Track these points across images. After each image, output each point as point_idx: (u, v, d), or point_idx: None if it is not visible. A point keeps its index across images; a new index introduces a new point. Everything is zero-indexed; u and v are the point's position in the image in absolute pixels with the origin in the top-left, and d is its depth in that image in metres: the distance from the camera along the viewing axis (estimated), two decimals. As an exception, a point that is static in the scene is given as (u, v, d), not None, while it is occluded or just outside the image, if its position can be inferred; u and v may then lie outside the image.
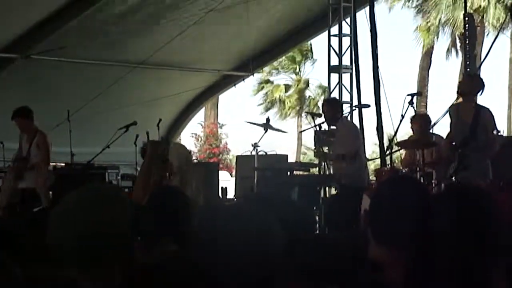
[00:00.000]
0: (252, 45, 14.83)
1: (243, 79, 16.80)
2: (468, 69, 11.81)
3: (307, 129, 10.57)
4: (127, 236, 2.13)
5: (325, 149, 9.88)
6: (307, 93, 33.34)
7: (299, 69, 33.08)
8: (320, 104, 31.76)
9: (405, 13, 29.51)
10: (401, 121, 8.69)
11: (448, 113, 8.01)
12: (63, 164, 12.13)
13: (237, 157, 13.61)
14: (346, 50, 13.36)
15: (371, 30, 12.10)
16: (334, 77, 13.54)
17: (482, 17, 25.58)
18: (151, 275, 2.11)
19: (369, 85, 12.36)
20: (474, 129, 7.40)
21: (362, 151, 9.12)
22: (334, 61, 13.47)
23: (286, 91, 33.26)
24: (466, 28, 12.11)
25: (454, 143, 7.62)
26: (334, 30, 13.49)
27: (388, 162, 9.93)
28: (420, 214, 2.14)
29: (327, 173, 9.57)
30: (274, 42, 15.81)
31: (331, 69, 13.53)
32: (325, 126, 9.68)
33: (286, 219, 2.29)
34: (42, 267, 2.29)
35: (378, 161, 13.57)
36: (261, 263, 1.93)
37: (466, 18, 12.30)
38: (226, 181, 16.36)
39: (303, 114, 31.28)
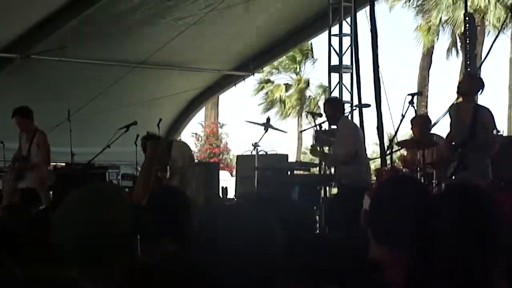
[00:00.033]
0: (252, 45, 14.84)
1: (244, 79, 16.80)
2: (469, 69, 11.81)
3: (308, 129, 10.57)
4: (127, 236, 2.13)
5: (325, 149, 9.87)
6: (308, 93, 33.35)
7: (300, 68, 33.08)
8: (320, 104, 31.79)
9: (405, 13, 29.48)
10: (401, 121, 8.69)
11: (448, 113, 8.01)
12: (64, 164, 12.14)
13: (238, 157, 13.62)
14: (347, 50, 13.35)
15: (371, 30, 12.10)
16: (335, 76, 13.54)
17: (483, 17, 25.58)
18: (151, 275, 2.11)
19: (369, 84, 12.37)
20: (473, 129, 7.40)
21: (362, 151, 9.10)
22: (335, 60, 13.47)
23: (287, 91, 33.27)
24: (467, 27, 12.10)
25: (453, 143, 7.61)
26: (335, 29, 13.49)
27: (389, 162, 9.93)
28: (420, 214, 2.14)
29: (327, 173, 9.57)
30: (274, 41, 15.81)
31: (332, 68, 13.53)
32: (325, 126, 9.68)
33: (287, 219, 2.28)
34: (42, 267, 2.29)
35: (378, 161, 13.57)
36: (261, 263, 1.93)
37: (467, 18, 12.29)
38: (227, 181, 16.37)
39: (303, 114, 31.27)
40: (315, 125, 9.68)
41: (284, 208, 2.59)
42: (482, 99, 7.94)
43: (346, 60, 13.37)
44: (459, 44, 27.32)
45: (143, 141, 8.59)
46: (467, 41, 11.95)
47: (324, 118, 9.43)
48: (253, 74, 16.64)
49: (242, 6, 13.06)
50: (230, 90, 17.88)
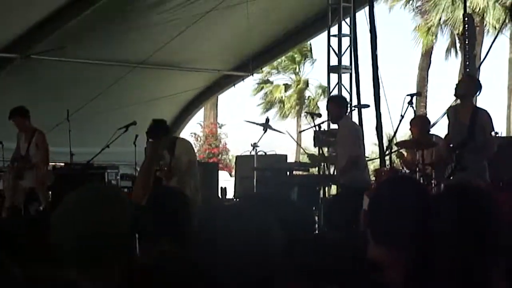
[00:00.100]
0: (252, 45, 14.83)
1: (243, 79, 16.80)
2: (468, 69, 11.82)
3: (307, 129, 10.58)
4: (127, 236, 2.13)
5: (325, 150, 9.88)
6: (307, 93, 33.36)
7: (299, 69, 33.08)
8: (320, 104, 31.82)
9: (405, 13, 29.49)
10: (400, 121, 8.70)
11: (446, 114, 8.01)
12: (63, 164, 12.14)
13: (237, 157, 13.62)
14: (346, 50, 13.36)
15: (370, 30, 12.11)
16: (334, 77, 13.54)
17: (482, 17, 25.58)
18: (151, 275, 2.11)
19: (368, 85, 12.38)
20: (472, 131, 7.40)
21: (362, 152, 9.10)
22: (334, 61, 13.47)
23: (286, 91, 33.27)
24: (466, 28, 12.11)
25: (451, 145, 7.61)
26: (334, 30, 13.49)
27: (388, 162, 9.94)
28: (419, 214, 2.14)
29: (327, 173, 9.58)
30: (273, 42, 15.81)
31: (331, 69, 13.53)
32: (324, 126, 9.69)
33: (286, 219, 2.28)
34: (42, 267, 2.29)
35: (377, 162, 13.58)
36: (261, 263, 1.93)
37: (466, 18, 12.30)
38: (226, 181, 16.38)
39: (302, 114, 31.27)
40: (314, 126, 9.69)
41: (283, 208, 2.59)
42: (481, 100, 7.96)
43: (345, 61, 13.38)
44: (458, 44, 27.32)
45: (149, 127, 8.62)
46: (466, 42, 11.96)
47: (323, 118, 9.44)
48: (252, 75, 16.64)
49: (242, 6, 13.06)
50: (229, 90, 17.91)
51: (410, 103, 8.55)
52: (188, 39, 13.69)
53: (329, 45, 13.51)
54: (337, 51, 13.39)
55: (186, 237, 2.91)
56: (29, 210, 9.63)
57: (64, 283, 1.92)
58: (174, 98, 16.17)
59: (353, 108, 12.98)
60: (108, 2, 12.05)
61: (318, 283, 2.29)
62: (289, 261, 2.15)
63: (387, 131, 13.75)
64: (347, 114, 9.43)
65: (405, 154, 8.88)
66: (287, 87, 33.29)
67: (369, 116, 12.70)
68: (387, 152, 10.18)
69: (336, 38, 13.43)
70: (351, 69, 13.30)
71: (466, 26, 12.09)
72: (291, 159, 16.45)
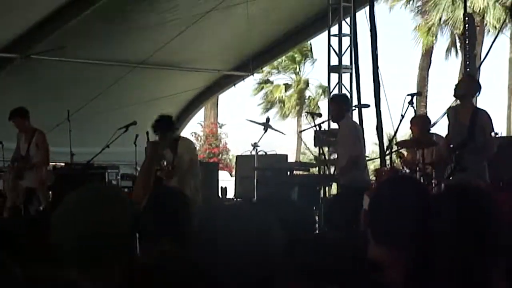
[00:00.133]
0: (252, 45, 14.83)
1: (243, 79, 16.81)
2: (468, 69, 11.82)
3: (307, 129, 10.58)
4: (127, 236, 2.13)
5: (325, 150, 9.88)
6: (307, 93, 33.36)
7: (299, 69, 33.08)
8: (320, 104, 31.82)
9: (405, 13, 29.52)
10: (401, 121, 8.70)
11: (446, 115, 8.01)
12: (63, 164, 12.14)
13: (237, 157, 13.63)
14: (346, 50, 13.36)
15: (371, 30, 12.10)
16: (334, 77, 13.54)
17: (482, 17, 25.58)
18: (151, 275, 2.11)
19: (369, 85, 12.38)
20: (472, 131, 7.39)
21: (363, 151, 9.10)
22: (334, 61, 13.47)
23: (286, 91, 33.27)
24: (466, 28, 12.11)
25: (451, 145, 7.61)
26: (334, 30, 13.49)
27: (388, 162, 9.94)
28: (420, 214, 2.14)
29: (327, 173, 9.58)
30: (274, 42, 15.81)
31: (331, 69, 13.53)
32: (325, 126, 9.69)
33: (286, 219, 2.29)
34: (42, 267, 2.29)
35: (378, 161, 13.58)
36: (261, 263, 1.93)
37: (466, 18, 12.30)
38: (226, 181, 16.38)
39: (303, 114, 31.27)
40: (315, 125, 9.68)
41: (284, 208, 2.59)
42: (481, 100, 7.96)
43: (346, 60, 13.38)
44: (458, 44, 27.31)
45: (153, 124, 8.67)
46: (467, 41, 11.96)
47: (323, 118, 9.43)
48: (253, 74, 16.64)
49: (242, 6, 13.06)
50: (230, 90, 17.91)
51: (411, 103, 8.55)
52: (188, 39, 13.70)
53: (329, 45, 13.51)
54: (337, 51, 13.39)
55: (187, 237, 2.92)
56: (29, 210, 9.63)
57: (65, 283, 1.92)
58: (174, 98, 16.18)
59: (353, 108, 12.99)
60: (108, 2, 12.05)
61: (318, 283, 2.29)
62: (289, 261, 2.15)
63: (388, 130, 13.76)
64: (348, 113, 9.41)
65: (405, 154, 8.88)
66: (287, 87, 33.28)
67: (369, 115, 12.70)
68: (387, 152, 10.19)
69: (337, 38, 13.43)
70: (351, 68, 13.30)
71: (467, 26, 12.09)
72: (291, 159, 16.47)
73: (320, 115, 10.37)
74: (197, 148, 30.50)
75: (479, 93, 7.84)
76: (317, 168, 10.22)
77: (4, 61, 13.23)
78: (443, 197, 2.28)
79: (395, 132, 9.28)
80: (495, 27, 24.69)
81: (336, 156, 9.47)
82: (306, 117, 14.10)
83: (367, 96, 13.02)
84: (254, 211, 2.04)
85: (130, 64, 14.24)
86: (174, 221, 3.09)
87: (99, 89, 14.02)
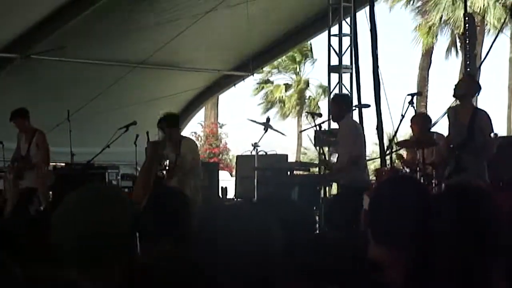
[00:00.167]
0: (252, 45, 14.84)
1: (243, 79, 16.81)
2: (468, 69, 11.82)
3: (307, 129, 10.58)
4: (127, 236, 2.13)
5: (325, 149, 9.88)
6: (307, 93, 33.36)
7: (299, 69, 33.08)
8: (320, 104, 31.83)
9: (406, 13, 29.53)
10: (401, 121, 8.69)
11: (446, 115, 8.00)
12: (63, 164, 12.15)
13: (237, 157, 13.63)
14: (346, 50, 13.36)
15: (371, 30, 12.11)
16: (334, 77, 13.54)
17: (483, 17, 25.57)
18: (151, 275, 2.11)
19: (369, 85, 12.38)
20: (471, 131, 7.39)
21: (363, 151, 9.09)
22: (334, 61, 13.47)
23: (286, 91, 33.27)
24: (466, 27, 12.11)
25: (451, 146, 7.61)
26: (334, 30, 13.49)
27: (388, 162, 9.94)
28: (420, 214, 2.14)
29: (327, 173, 9.57)
30: (274, 42, 15.82)
31: (331, 69, 13.53)
32: (325, 126, 9.68)
33: (286, 219, 2.29)
34: (42, 267, 2.29)
35: (378, 161, 13.58)
36: (261, 263, 1.93)
37: (466, 18, 12.30)
38: (226, 181, 16.38)
39: (303, 114, 31.27)
40: (315, 125, 9.68)
41: (284, 208, 2.59)
42: (481, 100, 7.96)
43: (346, 60, 13.38)
44: (458, 44, 27.31)
45: (159, 122, 8.71)
46: (467, 41, 11.96)
47: (324, 118, 9.42)
48: (253, 74, 16.65)
49: (242, 6, 13.06)
50: (230, 90, 17.91)
51: (411, 102, 8.54)
52: (188, 39, 13.70)
53: (329, 45, 13.51)
54: (337, 51, 13.40)
55: (186, 237, 2.91)
56: (29, 210, 9.63)
57: (65, 283, 1.93)
58: (174, 98, 16.18)
59: (353, 108, 12.99)
60: (108, 2, 12.06)
61: (318, 283, 2.29)
62: (289, 261, 2.15)
63: (388, 130, 13.75)
64: (349, 113, 9.39)
65: (405, 154, 8.87)
66: (287, 87, 33.29)
67: (369, 115, 12.70)
68: (387, 152, 10.18)
69: (337, 38, 13.43)
70: (351, 68, 13.30)
71: (467, 25, 12.09)
72: (291, 159, 16.47)
73: (320, 115, 10.35)
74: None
75: (479, 93, 7.84)
76: (317, 168, 10.21)
77: (4, 61, 13.24)
78: (443, 197, 2.28)
79: (395, 132, 9.28)
80: (496, 27, 24.68)
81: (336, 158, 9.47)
82: (306, 117, 14.10)
83: (367, 96, 13.03)
84: (254, 211, 2.04)
85: (130, 64, 14.24)
86: (174, 221, 3.09)
87: (99, 89, 14.02)
